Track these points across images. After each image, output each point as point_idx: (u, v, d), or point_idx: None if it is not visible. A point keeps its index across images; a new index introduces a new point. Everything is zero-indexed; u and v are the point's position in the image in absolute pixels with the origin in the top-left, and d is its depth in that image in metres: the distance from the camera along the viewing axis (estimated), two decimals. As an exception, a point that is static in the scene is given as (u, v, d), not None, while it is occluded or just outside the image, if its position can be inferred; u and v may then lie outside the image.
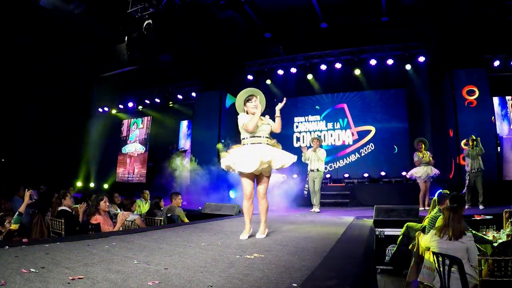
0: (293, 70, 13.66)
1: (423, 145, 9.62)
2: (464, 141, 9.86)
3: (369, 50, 12.92)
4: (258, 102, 4.67)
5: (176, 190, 10.85)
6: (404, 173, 11.48)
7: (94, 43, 12.58)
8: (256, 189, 4.71)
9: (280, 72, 13.81)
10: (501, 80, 11.55)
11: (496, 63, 11.58)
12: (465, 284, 3.86)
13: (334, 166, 13.57)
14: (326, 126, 14.00)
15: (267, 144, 4.63)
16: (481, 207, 8.70)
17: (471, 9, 10.29)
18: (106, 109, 17.88)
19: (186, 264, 2.98)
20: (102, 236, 4.44)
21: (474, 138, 9.25)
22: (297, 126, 14.34)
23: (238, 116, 4.72)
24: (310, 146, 10.22)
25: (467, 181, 9.21)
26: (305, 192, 10.18)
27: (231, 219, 7.28)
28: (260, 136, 4.61)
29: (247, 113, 4.72)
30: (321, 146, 10.08)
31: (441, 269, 4.04)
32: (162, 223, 6.56)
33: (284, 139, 13.94)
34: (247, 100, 4.73)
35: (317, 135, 13.41)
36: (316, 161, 9.62)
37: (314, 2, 10.91)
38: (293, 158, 4.68)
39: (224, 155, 4.70)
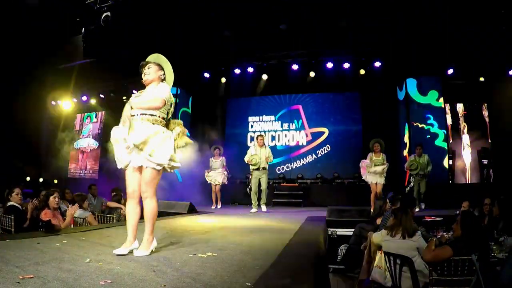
0: (250, 69, 13.61)
1: (379, 147, 9.44)
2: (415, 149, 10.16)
3: (327, 53, 13.04)
4: (152, 69, 3.80)
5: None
6: (357, 175, 11.75)
7: (50, 34, 12.10)
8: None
9: (237, 71, 13.72)
10: (454, 88, 11.86)
11: (450, 71, 11.76)
12: (416, 283, 4.01)
13: (289, 167, 13.74)
14: (282, 126, 14.13)
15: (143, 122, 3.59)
16: (422, 206, 9.25)
17: (427, 18, 10.65)
18: (59, 102, 17.23)
19: (138, 263, 2.96)
20: (53, 234, 4.33)
21: (421, 147, 9.81)
22: (252, 126, 14.38)
23: None
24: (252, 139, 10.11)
25: (412, 184, 9.68)
26: (248, 191, 9.99)
27: (183, 217, 7.26)
28: (133, 115, 3.64)
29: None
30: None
31: (392, 268, 4.17)
32: (115, 221, 6.44)
33: (239, 137, 14.14)
34: (140, 68, 3.76)
35: (271, 135, 13.56)
36: (263, 159, 9.41)
37: (274, 3, 10.99)
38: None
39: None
